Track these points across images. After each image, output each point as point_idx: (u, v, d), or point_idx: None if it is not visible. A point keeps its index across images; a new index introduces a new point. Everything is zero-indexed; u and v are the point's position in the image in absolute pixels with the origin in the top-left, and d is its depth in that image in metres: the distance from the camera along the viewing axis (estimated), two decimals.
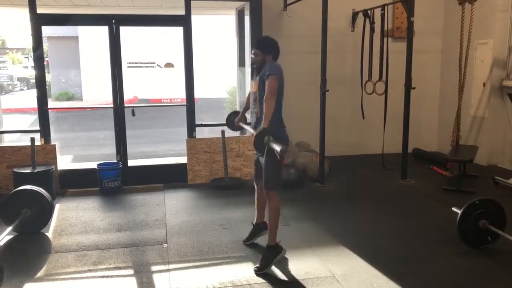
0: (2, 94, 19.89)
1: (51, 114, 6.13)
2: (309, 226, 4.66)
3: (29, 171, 5.48)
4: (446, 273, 3.67)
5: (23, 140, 6.07)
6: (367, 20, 6.76)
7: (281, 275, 3.62)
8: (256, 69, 3.79)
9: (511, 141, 6.73)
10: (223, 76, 11.70)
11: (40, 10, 5.76)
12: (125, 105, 6.14)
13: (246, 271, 3.70)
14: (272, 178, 3.69)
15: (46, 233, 4.52)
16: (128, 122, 6.17)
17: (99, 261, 3.91)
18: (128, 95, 8.09)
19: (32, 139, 5.60)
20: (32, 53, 6.04)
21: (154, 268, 3.79)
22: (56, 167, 5.80)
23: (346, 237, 4.35)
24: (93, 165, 6.02)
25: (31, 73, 20.54)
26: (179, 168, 6.24)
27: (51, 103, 15.09)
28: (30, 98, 14.71)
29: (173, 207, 5.30)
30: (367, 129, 7.55)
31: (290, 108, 7.17)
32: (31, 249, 4.17)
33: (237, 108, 7.86)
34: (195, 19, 6.24)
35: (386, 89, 6.50)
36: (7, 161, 5.76)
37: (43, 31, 5.84)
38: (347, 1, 7.27)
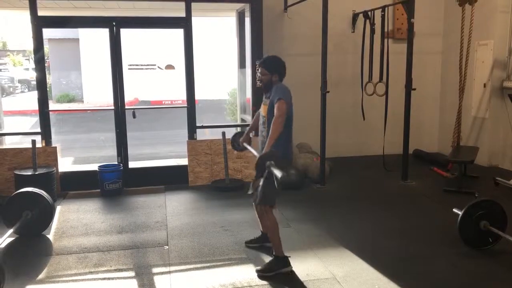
0: (3, 96, 19.90)
1: (52, 116, 6.15)
2: (310, 228, 4.66)
3: (30, 173, 5.49)
4: (447, 274, 3.67)
5: (24, 142, 6.08)
6: (368, 21, 6.76)
7: (282, 277, 3.61)
8: (263, 88, 3.81)
9: None
10: (224, 78, 11.71)
11: (41, 13, 5.78)
12: (126, 107, 6.14)
13: (247, 273, 3.70)
14: (268, 195, 3.64)
15: (47, 235, 4.53)
16: (129, 124, 6.18)
17: (100, 263, 3.91)
18: (128, 97, 8.11)
19: (33, 141, 5.61)
20: (33, 55, 6.05)
21: (155, 270, 3.80)
22: (57, 169, 5.80)
23: (347, 239, 4.35)
24: (94, 167, 6.03)
25: (32, 75, 20.55)
26: (180, 170, 6.25)
27: (52, 105, 15.13)
28: (31, 100, 14.70)
29: (174, 209, 5.30)
30: (367, 130, 7.55)
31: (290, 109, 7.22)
32: (32, 251, 4.18)
33: (237, 109, 7.88)
34: (196, 21, 6.25)
35: (386, 90, 6.50)
36: (8, 163, 5.76)
37: (44, 33, 5.85)
38: (348, 3, 7.27)
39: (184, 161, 6.35)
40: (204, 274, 3.73)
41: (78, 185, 5.98)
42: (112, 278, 3.66)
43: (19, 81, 22.71)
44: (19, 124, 13.21)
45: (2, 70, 24.95)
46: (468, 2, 6.28)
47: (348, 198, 5.72)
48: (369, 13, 6.72)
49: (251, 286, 3.49)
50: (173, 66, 17.96)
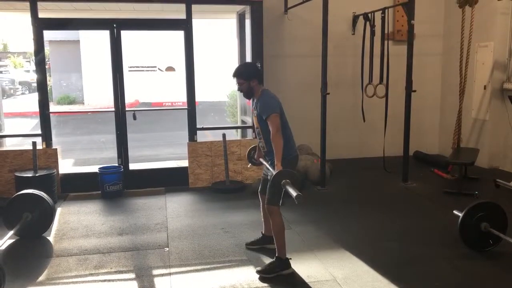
0: (4, 98, 19.92)
1: (52, 118, 6.16)
2: (310, 229, 4.65)
3: (30, 175, 5.49)
4: (447, 276, 3.67)
5: (25, 144, 6.09)
6: (368, 23, 6.76)
7: (283, 279, 3.61)
8: (246, 96, 3.82)
9: None
10: (224, 80, 11.71)
11: (41, 15, 5.79)
12: (127, 108, 6.15)
13: (247, 274, 3.70)
14: (277, 196, 3.68)
15: (48, 237, 4.53)
16: (129, 126, 6.18)
17: (101, 265, 3.91)
18: (129, 99, 8.12)
19: (34, 143, 5.61)
20: (33, 57, 6.06)
21: (155, 272, 3.79)
22: (57, 171, 5.80)
23: (347, 240, 4.35)
24: (94, 169, 6.03)
25: (32, 77, 20.58)
26: (181, 172, 6.25)
27: (53, 107, 15.14)
28: (31, 102, 14.72)
29: (174, 210, 5.30)
30: (368, 132, 7.55)
31: (291, 111, 7.19)
32: (33, 253, 4.18)
33: (237, 111, 7.89)
34: (196, 23, 6.25)
35: (386, 92, 6.50)
36: (9, 165, 5.77)
37: (44, 35, 5.86)
38: (348, 4, 7.28)
39: (184, 163, 6.35)
40: (205, 276, 3.73)
41: (79, 187, 5.98)
42: (113, 280, 3.66)
43: (20, 83, 22.74)
44: (19, 126, 13.22)
45: (3, 72, 24.98)
46: (468, 4, 6.28)
47: (349, 200, 5.72)
48: (369, 15, 6.72)
49: None
50: (173, 68, 17.99)
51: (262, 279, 3.60)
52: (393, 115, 6.79)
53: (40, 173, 5.54)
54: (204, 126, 6.62)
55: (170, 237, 4.50)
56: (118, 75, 6.02)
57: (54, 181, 5.59)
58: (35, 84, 6.43)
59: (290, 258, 3.71)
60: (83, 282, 3.66)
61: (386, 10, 6.47)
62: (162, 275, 3.73)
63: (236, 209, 5.28)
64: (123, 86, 6.06)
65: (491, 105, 6.86)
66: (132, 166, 6.29)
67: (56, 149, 5.94)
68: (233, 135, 6.59)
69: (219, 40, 14.37)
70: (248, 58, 6.54)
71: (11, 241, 4.35)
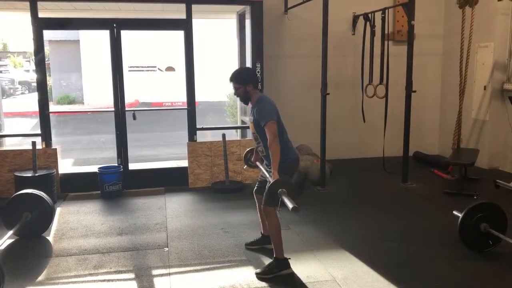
0: (4, 97, 19.91)
1: (52, 118, 6.15)
2: (310, 230, 4.65)
3: (30, 175, 5.49)
4: (447, 277, 3.67)
5: (24, 144, 6.08)
6: (368, 23, 6.77)
7: (282, 279, 3.60)
8: (242, 101, 3.83)
9: None
10: (224, 80, 11.69)
11: (41, 14, 5.78)
12: (126, 108, 6.15)
13: (247, 275, 3.70)
14: (273, 197, 3.67)
15: (47, 237, 4.52)
16: (129, 126, 6.18)
17: (100, 265, 3.91)
18: (129, 98, 8.12)
19: (33, 143, 5.61)
20: (33, 57, 6.06)
21: (154, 272, 3.79)
22: (57, 171, 5.80)
23: (347, 241, 4.35)
24: (94, 168, 6.03)
25: (32, 77, 20.58)
26: (180, 172, 6.25)
27: (52, 107, 15.14)
28: (31, 101, 14.72)
29: (174, 210, 5.30)
30: (368, 132, 7.55)
31: (291, 111, 7.22)
32: (32, 253, 4.17)
33: (237, 111, 7.88)
34: (196, 23, 6.25)
35: (386, 92, 6.50)
36: (9, 165, 5.76)
37: (44, 35, 5.86)
38: (348, 5, 7.28)
39: (184, 163, 6.35)
40: (204, 276, 3.73)
41: (78, 186, 5.98)
42: (112, 280, 3.66)
43: (20, 83, 22.73)
44: (19, 125, 13.22)
45: (2, 71, 24.97)
46: (469, 4, 6.28)
47: (348, 200, 5.72)
48: (370, 15, 6.72)
49: None
50: (173, 68, 17.99)
51: (261, 279, 3.60)
52: (393, 115, 6.79)
53: (40, 173, 5.53)
54: (204, 126, 6.61)
55: (170, 237, 4.50)
56: (118, 75, 6.02)
57: (53, 181, 5.59)
58: (34, 84, 6.43)
59: (289, 258, 3.71)
60: (82, 282, 3.66)
61: (386, 11, 6.47)
62: (162, 275, 3.73)
63: (236, 209, 5.28)
64: (123, 86, 6.05)
65: (491, 105, 6.86)
66: (132, 166, 6.28)
67: (56, 149, 5.94)
68: (233, 135, 6.58)
69: (219, 40, 14.37)
70: (248, 58, 6.54)
71: (11, 240, 4.35)
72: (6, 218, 4.37)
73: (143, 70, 17.93)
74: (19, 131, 10.92)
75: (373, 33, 6.69)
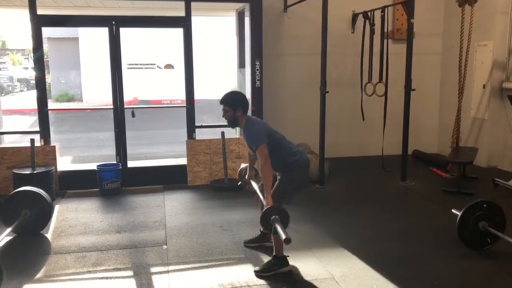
0: (2, 95, 19.88)
1: (51, 115, 6.14)
2: (309, 228, 4.65)
3: (28, 172, 5.48)
4: (445, 275, 3.67)
5: (23, 141, 6.06)
6: (367, 21, 6.76)
7: (281, 277, 3.61)
8: (229, 124, 3.86)
9: (511, 143, 6.72)
10: (223, 78, 11.68)
11: (40, 11, 5.77)
12: (125, 106, 6.14)
13: (245, 272, 3.70)
14: (283, 193, 3.73)
15: (46, 234, 4.52)
16: (128, 123, 6.17)
17: (99, 263, 3.90)
18: (128, 96, 8.10)
19: (32, 140, 5.60)
20: (32, 54, 6.04)
21: (153, 269, 3.79)
22: (55, 168, 5.80)
23: (345, 239, 4.35)
24: (92, 166, 6.03)
25: (31, 74, 20.55)
26: (179, 170, 6.24)
27: (51, 104, 15.09)
28: (30, 99, 14.70)
29: (172, 208, 5.30)
30: (367, 131, 7.55)
31: (290, 110, 7.23)
32: (31, 250, 4.17)
33: None
34: (195, 21, 6.24)
35: (386, 91, 6.50)
36: (7, 162, 5.76)
37: (43, 32, 5.84)
38: (347, 3, 7.27)
39: (183, 161, 6.35)
40: (203, 274, 3.73)
41: (77, 184, 5.97)
42: (111, 278, 3.66)
43: (18, 80, 22.68)
44: (18, 123, 13.19)
45: (1, 69, 24.92)
46: (468, 3, 6.28)
47: (347, 199, 5.72)
48: (369, 13, 6.71)
49: (250, 285, 3.49)
50: (172, 66, 17.95)
51: (260, 277, 3.60)
52: (392, 113, 6.79)
53: (38, 170, 5.53)
54: (203, 124, 6.60)
55: (168, 234, 4.50)
56: (117, 73, 6.01)
57: (52, 178, 5.58)
58: (33, 81, 6.41)
59: (288, 256, 3.71)
60: (81, 279, 3.65)
61: (386, 9, 6.47)
62: (160, 272, 3.73)
63: (235, 207, 5.27)
64: (122, 84, 6.04)
65: (490, 104, 6.87)
66: (131, 164, 6.28)
67: (55, 146, 5.93)
68: (232, 133, 6.57)
69: (219, 38, 14.33)
70: (248, 56, 6.53)
71: (9, 238, 4.34)
72: (4, 215, 4.37)
73: (142, 68, 17.90)
74: (18, 128, 10.88)
75: (372, 32, 6.68)
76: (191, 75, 6.20)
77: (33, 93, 6.16)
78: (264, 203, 3.52)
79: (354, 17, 7.28)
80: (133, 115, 6.11)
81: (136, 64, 17.43)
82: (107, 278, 3.65)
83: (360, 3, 7.04)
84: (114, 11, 7.23)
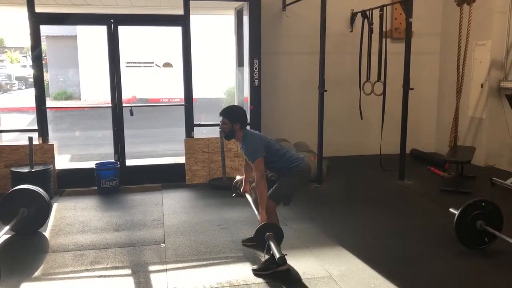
0: (0, 93, 19.84)
1: (49, 114, 6.13)
2: (307, 227, 4.66)
3: (27, 170, 5.48)
4: (443, 274, 3.68)
5: (21, 140, 6.06)
6: (366, 20, 6.76)
7: (279, 275, 3.61)
8: (225, 137, 3.90)
9: (509, 142, 6.74)
10: (222, 76, 11.66)
11: (38, 9, 5.76)
12: (123, 104, 6.13)
13: (243, 271, 3.70)
14: (282, 194, 3.78)
15: (44, 233, 4.52)
16: (126, 122, 6.17)
17: (97, 261, 3.90)
18: (126, 94, 8.09)
19: (30, 138, 5.59)
20: (30, 52, 6.03)
21: (151, 268, 3.79)
22: (54, 166, 5.79)
23: (343, 238, 4.36)
24: (91, 164, 6.02)
25: (29, 72, 20.49)
26: (177, 168, 6.25)
27: (49, 103, 15.07)
28: (28, 97, 14.68)
29: (171, 207, 5.30)
30: (365, 130, 7.56)
31: (288, 108, 7.24)
32: (29, 248, 4.17)
33: None
34: (194, 19, 6.24)
35: (384, 90, 6.51)
36: (5, 160, 5.75)
37: (41, 30, 5.83)
38: (346, 2, 7.27)
39: (181, 159, 6.35)
40: (201, 272, 3.73)
41: (75, 182, 5.97)
42: (109, 276, 3.66)
43: (16, 78, 22.62)
44: (16, 121, 13.16)
45: None
46: (466, 2, 6.29)
47: (345, 198, 5.73)
48: (368, 12, 6.72)
49: (248, 284, 3.49)
50: (171, 64, 17.91)
51: (258, 275, 3.61)
52: (390, 112, 6.80)
53: (36, 168, 5.52)
54: (201, 123, 6.60)
55: (167, 233, 4.50)
56: (115, 71, 6.01)
57: (50, 177, 5.57)
58: (31, 79, 6.41)
59: (286, 254, 3.71)
60: (79, 277, 3.66)
61: (384, 8, 6.47)
62: (158, 271, 3.73)
63: (233, 206, 5.27)
64: (120, 82, 6.04)
65: (488, 103, 6.88)
66: (129, 162, 6.28)
67: (53, 144, 5.93)
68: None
69: (217, 36, 14.31)
70: (246, 55, 6.53)
71: (7, 236, 4.34)
72: (2, 213, 4.36)
73: (140, 66, 17.87)
74: (16, 126, 10.85)
75: (371, 31, 6.69)
76: (189, 74, 6.20)
77: (31, 91, 6.15)
78: (259, 218, 3.55)
79: (353, 16, 7.28)
80: (131, 114, 6.10)
81: (135, 63, 17.39)
82: (105, 276, 3.65)
83: (359, 2, 7.05)
84: (113, 9, 7.22)
